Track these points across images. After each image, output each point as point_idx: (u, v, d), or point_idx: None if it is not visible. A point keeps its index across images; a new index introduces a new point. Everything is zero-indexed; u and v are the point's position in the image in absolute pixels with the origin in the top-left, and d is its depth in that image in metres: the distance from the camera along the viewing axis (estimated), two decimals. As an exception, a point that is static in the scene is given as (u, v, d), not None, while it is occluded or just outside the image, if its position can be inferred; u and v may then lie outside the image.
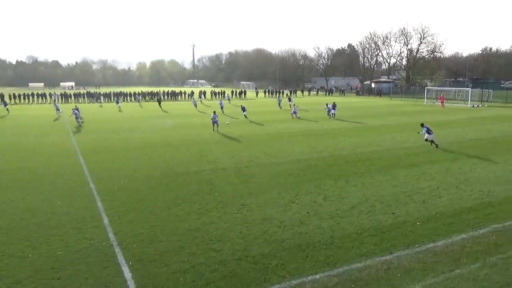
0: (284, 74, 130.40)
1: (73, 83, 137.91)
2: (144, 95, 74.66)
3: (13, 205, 13.24)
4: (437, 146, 23.26)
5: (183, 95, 78.33)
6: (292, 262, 9.31)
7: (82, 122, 36.47)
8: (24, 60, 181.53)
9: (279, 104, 53.97)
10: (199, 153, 21.97)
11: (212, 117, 31.40)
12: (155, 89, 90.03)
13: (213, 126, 30.91)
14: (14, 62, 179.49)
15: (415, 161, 19.83)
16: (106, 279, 8.60)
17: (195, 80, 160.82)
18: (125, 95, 74.24)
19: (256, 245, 10.22)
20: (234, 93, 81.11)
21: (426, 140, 23.63)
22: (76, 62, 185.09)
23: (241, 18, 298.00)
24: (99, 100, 68.42)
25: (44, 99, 70.75)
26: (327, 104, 41.70)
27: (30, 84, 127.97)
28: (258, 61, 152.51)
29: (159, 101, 54.27)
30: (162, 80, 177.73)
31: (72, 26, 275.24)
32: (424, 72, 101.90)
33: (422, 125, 24.11)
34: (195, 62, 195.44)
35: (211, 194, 14.53)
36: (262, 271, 8.90)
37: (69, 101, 69.66)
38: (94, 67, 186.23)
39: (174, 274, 8.79)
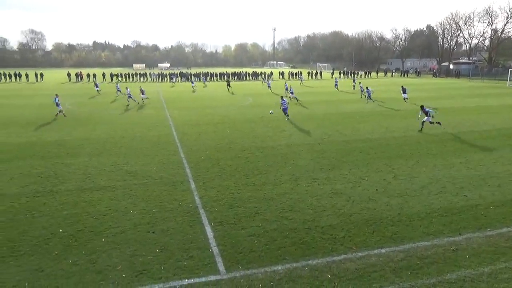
0: (359, 55, 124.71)
1: (168, 64, 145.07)
2: (227, 75, 76.27)
3: (118, 168, 14.50)
4: (440, 123, 21.18)
5: (263, 75, 78.73)
6: (359, 235, 9.09)
7: (145, 98, 36.07)
8: (129, 44, 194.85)
9: (335, 85, 50.03)
10: (275, 129, 22.08)
11: (281, 103, 25.65)
12: (238, 70, 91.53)
13: (285, 114, 25.52)
14: (121, 46, 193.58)
15: (492, 144, 18.02)
16: (192, 236, 9.13)
17: (275, 62, 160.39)
18: (212, 75, 76.58)
19: (325, 217, 10.12)
20: (310, 74, 79.67)
21: (420, 120, 21.47)
22: (172, 46, 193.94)
23: (319, 2, 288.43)
24: (172, 79, 69.32)
25: (144, 78, 75.54)
26: (367, 88, 36.39)
27: (134, 65, 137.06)
28: (334, 43, 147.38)
29: (228, 82, 51.85)
30: (245, 61, 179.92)
31: (169, 13, 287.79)
32: (509, 53, 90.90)
33: (422, 107, 21.62)
34: (275, 45, 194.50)
35: (285, 167, 14.59)
36: (329, 241, 8.83)
37: (165, 80, 73.58)
38: (187, 50, 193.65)
39: (249, 237, 9.06)
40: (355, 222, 9.81)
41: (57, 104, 27.04)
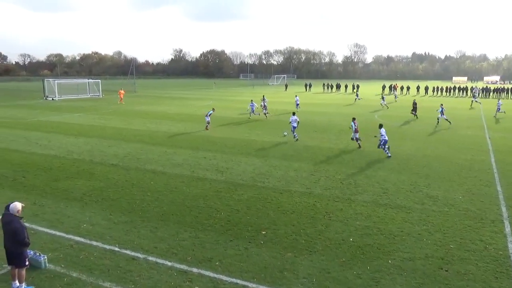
0: None
1: (498, 77, 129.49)
2: None
3: (417, 189, 14.25)
4: (359, 146, 21.32)
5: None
6: None
7: (265, 114, 35.06)
8: (452, 54, 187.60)
9: None
10: None
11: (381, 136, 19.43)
12: None
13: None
14: (442, 57, 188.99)
15: None
16: (496, 290, 7.85)
17: None
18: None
19: None
20: None
21: (352, 139, 21.63)
22: (506, 55, 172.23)
23: None
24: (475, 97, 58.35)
25: (464, 93, 70.68)
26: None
27: (453, 78, 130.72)
28: None
29: None
30: None
31: (498, 20, 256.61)
32: None
33: (353, 119, 21.65)
34: None
35: None
36: None
37: (489, 96, 66.23)
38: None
39: None
40: None
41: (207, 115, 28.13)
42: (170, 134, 26.19)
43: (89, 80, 69.16)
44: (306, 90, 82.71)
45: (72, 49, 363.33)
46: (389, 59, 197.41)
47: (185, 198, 13.40)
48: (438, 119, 31.11)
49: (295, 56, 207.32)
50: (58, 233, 10.48)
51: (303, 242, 10.05)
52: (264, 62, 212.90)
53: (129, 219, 11.54)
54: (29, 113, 38.86)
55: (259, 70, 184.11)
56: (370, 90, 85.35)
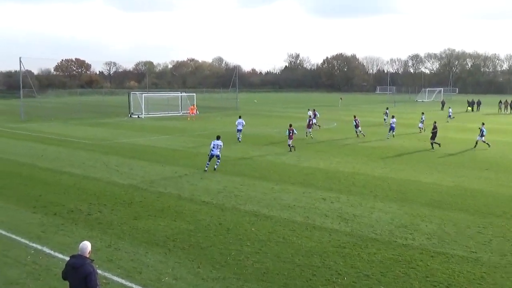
0: None
1: None
2: None
3: None
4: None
5: None
6: None
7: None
8: None
9: None
10: None
11: None
12: None
13: None
14: None
15: None
16: None
17: None
18: None
19: None
20: None
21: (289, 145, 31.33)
22: None
23: None
24: None
25: None
26: None
27: None
28: None
29: None
30: None
31: None
32: None
33: (290, 126, 32.08)
34: None
35: None
36: None
37: None
38: None
39: None
40: None
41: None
42: (277, 164, 26.70)
43: (182, 94, 74.61)
44: (472, 109, 77.95)
45: (164, 56, 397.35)
46: None
47: (295, 253, 13.39)
48: None
49: (456, 62, 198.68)
50: (134, 286, 11.19)
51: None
52: (411, 71, 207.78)
53: (221, 275, 11.86)
54: (111, 133, 43.08)
55: (404, 81, 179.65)
56: None
